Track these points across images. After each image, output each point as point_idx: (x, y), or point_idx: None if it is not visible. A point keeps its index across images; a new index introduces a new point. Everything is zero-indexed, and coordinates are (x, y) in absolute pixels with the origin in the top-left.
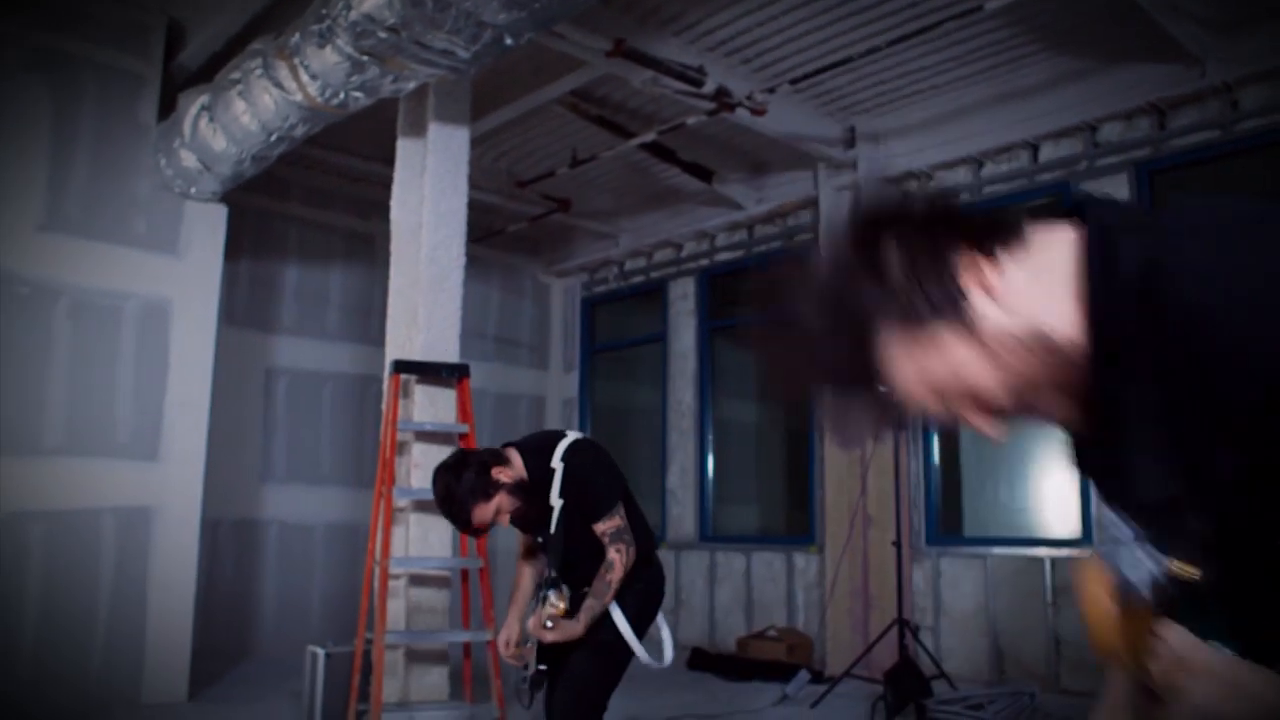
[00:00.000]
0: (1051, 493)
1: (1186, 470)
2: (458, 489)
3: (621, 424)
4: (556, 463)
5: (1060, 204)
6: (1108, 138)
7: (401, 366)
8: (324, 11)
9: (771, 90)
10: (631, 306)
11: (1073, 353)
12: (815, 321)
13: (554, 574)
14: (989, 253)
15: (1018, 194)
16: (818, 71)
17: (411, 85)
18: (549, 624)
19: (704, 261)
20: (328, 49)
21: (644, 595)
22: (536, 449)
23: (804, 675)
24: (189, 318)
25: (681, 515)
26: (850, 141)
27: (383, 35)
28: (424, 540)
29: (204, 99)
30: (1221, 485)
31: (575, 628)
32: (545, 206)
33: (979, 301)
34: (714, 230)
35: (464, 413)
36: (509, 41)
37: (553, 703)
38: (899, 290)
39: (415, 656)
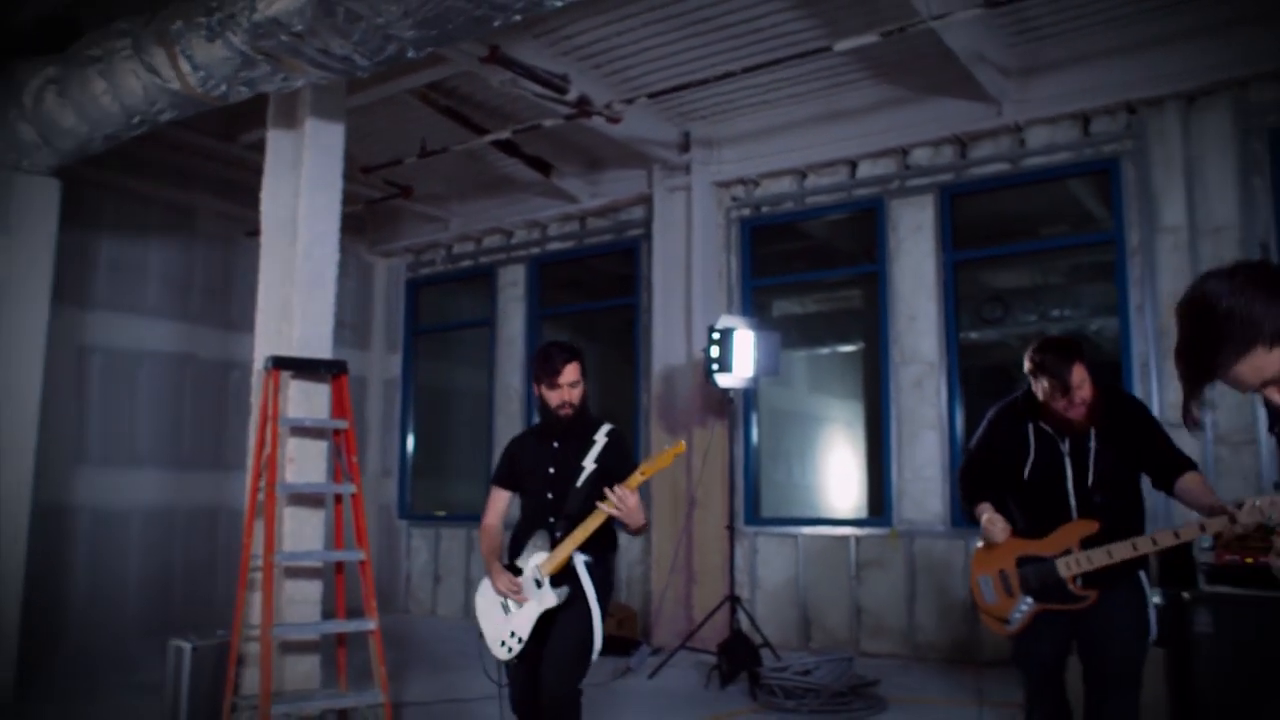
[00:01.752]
0: (839, 477)
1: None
2: None
3: (444, 406)
4: (600, 436)
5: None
6: (917, 161)
7: (279, 362)
8: (214, 5)
9: (630, 101)
10: (458, 290)
11: None
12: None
13: (554, 522)
14: None
15: (837, 205)
16: (678, 88)
17: (300, 84)
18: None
19: (535, 250)
20: (218, 43)
21: (606, 579)
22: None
23: (645, 649)
24: (19, 297)
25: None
26: (685, 146)
27: (285, 39)
28: (299, 534)
29: (52, 71)
30: None
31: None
32: (386, 191)
33: None
34: (546, 220)
35: (341, 408)
36: (411, 54)
37: (550, 665)
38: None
39: (288, 648)
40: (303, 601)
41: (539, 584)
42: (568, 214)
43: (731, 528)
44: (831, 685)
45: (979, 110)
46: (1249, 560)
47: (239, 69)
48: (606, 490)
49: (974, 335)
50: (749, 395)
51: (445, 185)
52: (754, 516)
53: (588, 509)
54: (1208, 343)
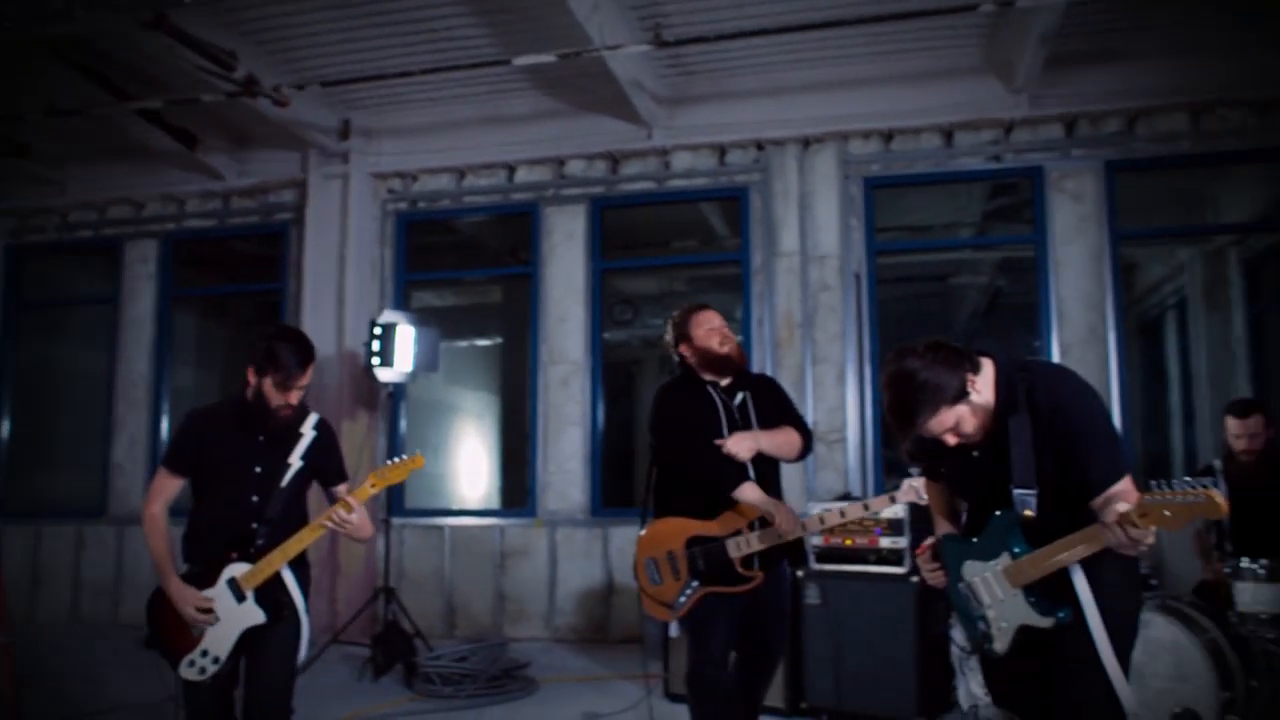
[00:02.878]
0: (475, 467)
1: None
2: None
3: (52, 390)
4: (307, 429)
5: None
6: (572, 172)
7: None
8: None
9: (301, 87)
10: (75, 263)
11: (990, 412)
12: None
13: (256, 528)
14: (975, 368)
15: (494, 207)
16: (353, 80)
17: None
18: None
19: (170, 225)
20: None
21: (307, 588)
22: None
23: None
24: None
25: (128, 489)
26: (345, 134)
27: None
28: None
29: None
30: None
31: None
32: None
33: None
34: (185, 195)
35: None
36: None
37: (265, 691)
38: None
39: None
40: None
41: (240, 599)
42: (210, 191)
43: (388, 520)
44: (488, 670)
45: (631, 131)
46: (848, 542)
47: None
48: (336, 510)
49: (605, 335)
50: (399, 388)
51: (62, 145)
52: (400, 508)
53: (292, 513)
54: (910, 405)
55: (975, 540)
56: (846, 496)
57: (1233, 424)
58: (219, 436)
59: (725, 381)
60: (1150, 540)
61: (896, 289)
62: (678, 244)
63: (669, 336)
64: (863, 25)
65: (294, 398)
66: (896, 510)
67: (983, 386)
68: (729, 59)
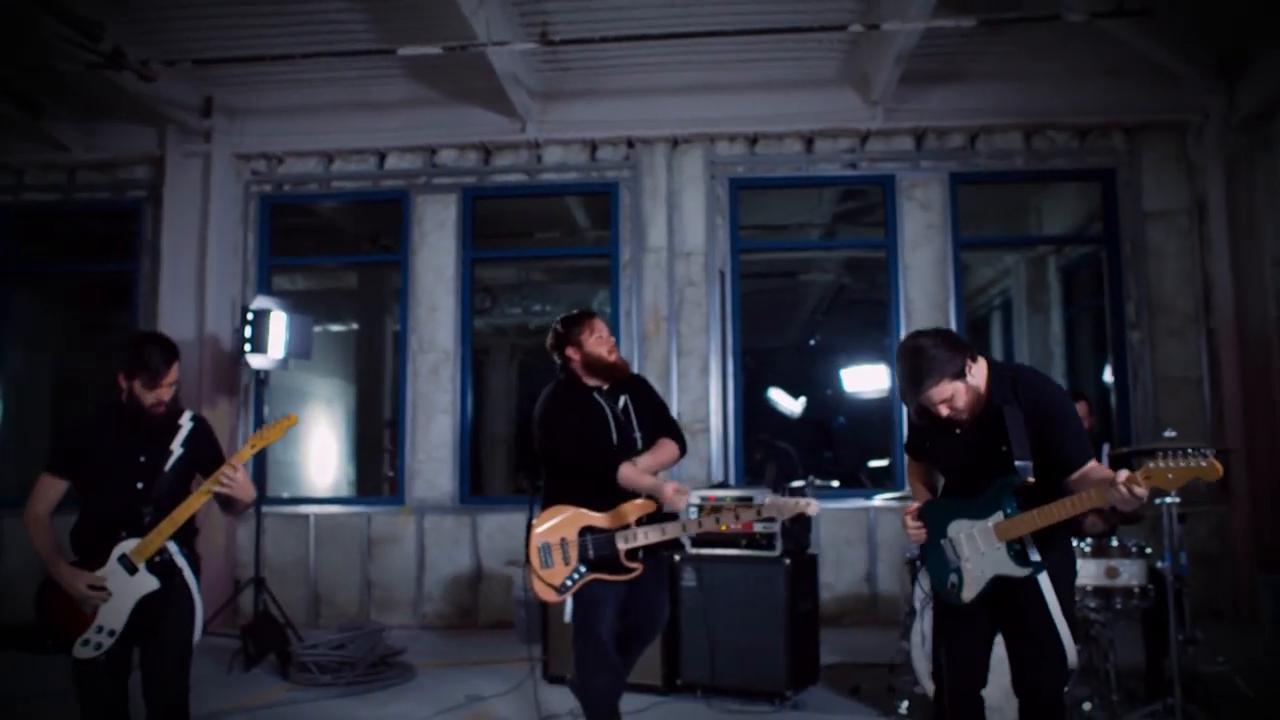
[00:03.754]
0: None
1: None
2: None
3: None
4: (185, 421)
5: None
6: (444, 161)
7: None
8: None
9: (172, 63)
10: None
11: (981, 399)
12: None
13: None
14: (974, 358)
15: (364, 193)
16: (227, 60)
17: None
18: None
19: (6, 197)
20: None
21: (197, 566)
22: None
23: None
24: None
25: None
26: (207, 111)
27: None
28: None
29: None
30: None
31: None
32: None
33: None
34: (24, 166)
35: None
36: None
37: (164, 665)
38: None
39: None
40: None
41: (131, 571)
42: (54, 163)
43: (259, 508)
44: (366, 657)
45: (505, 124)
46: (724, 528)
47: None
48: (222, 471)
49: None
50: (262, 375)
51: None
52: (261, 495)
53: (178, 497)
54: (919, 373)
55: (969, 501)
56: (724, 484)
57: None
58: (99, 436)
59: (607, 386)
60: (1144, 495)
61: (748, 284)
62: (541, 235)
63: (554, 340)
64: (743, 36)
65: (165, 394)
66: (766, 498)
67: (978, 375)
68: (603, 58)
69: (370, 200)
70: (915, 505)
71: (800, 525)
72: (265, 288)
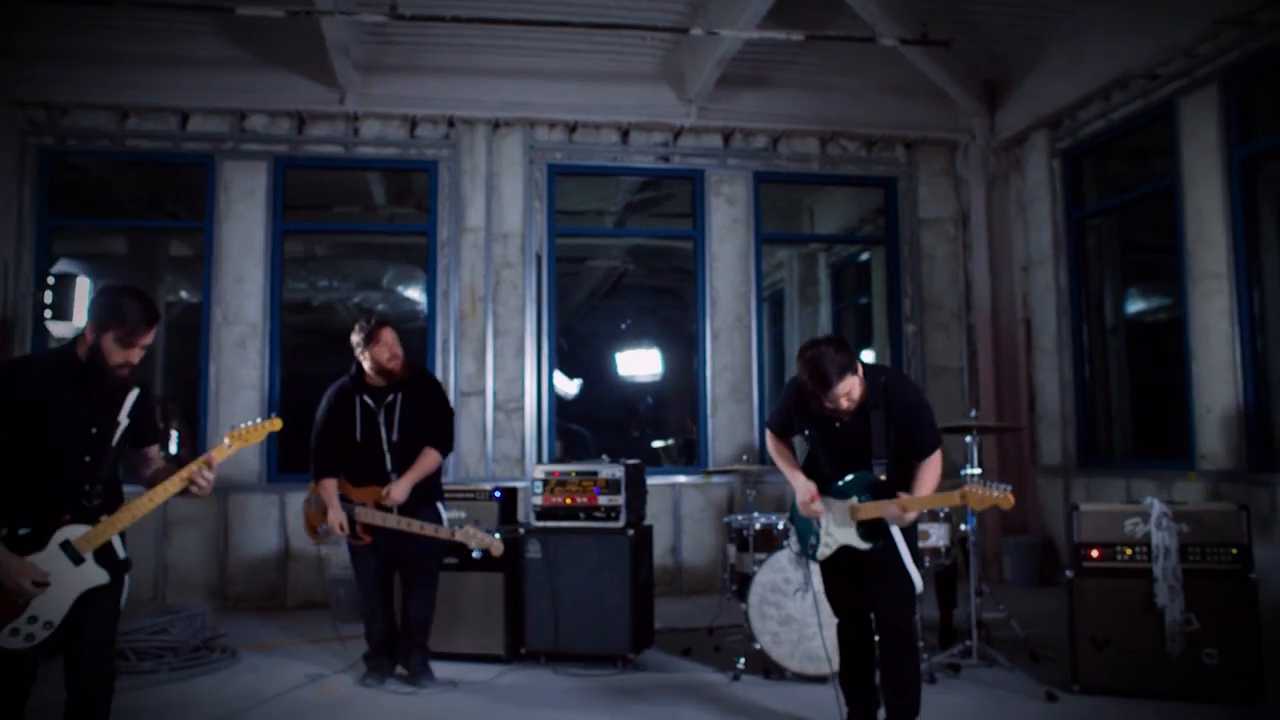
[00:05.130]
0: None
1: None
2: None
3: None
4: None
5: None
6: (254, 127)
7: None
8: None
9: None
10: None
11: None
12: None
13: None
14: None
15: (163, 154)
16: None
17: None
18: None
19: None
20: None
21: None
22: None
23: None
24: None
25: None
26: None
27: None
28: None
29: None
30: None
31: None
32: None
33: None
34: None
35: None
36: None
37: (96, 653)
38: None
39: None
40: None
41: (77, 561)
42: None
43: None
44: (190, 640)
45: (322, 93)
46: (569, 501)
47: None
48: (201, 471)
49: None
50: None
51: None
52: None
53: (116, 471)
54: (828, 374)
55: (838, 484)
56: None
57: None
58: (46, 393)
59: (384, 383)
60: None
61: None
62: (340, 209)
63: (358, 339)
64: (588, 29)
65: (135, 356)
66: (615, 471)
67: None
68: (429, 35)
69: (172, 163)
70: (814, 490)
71: (639, 499)
72: (44, 250)
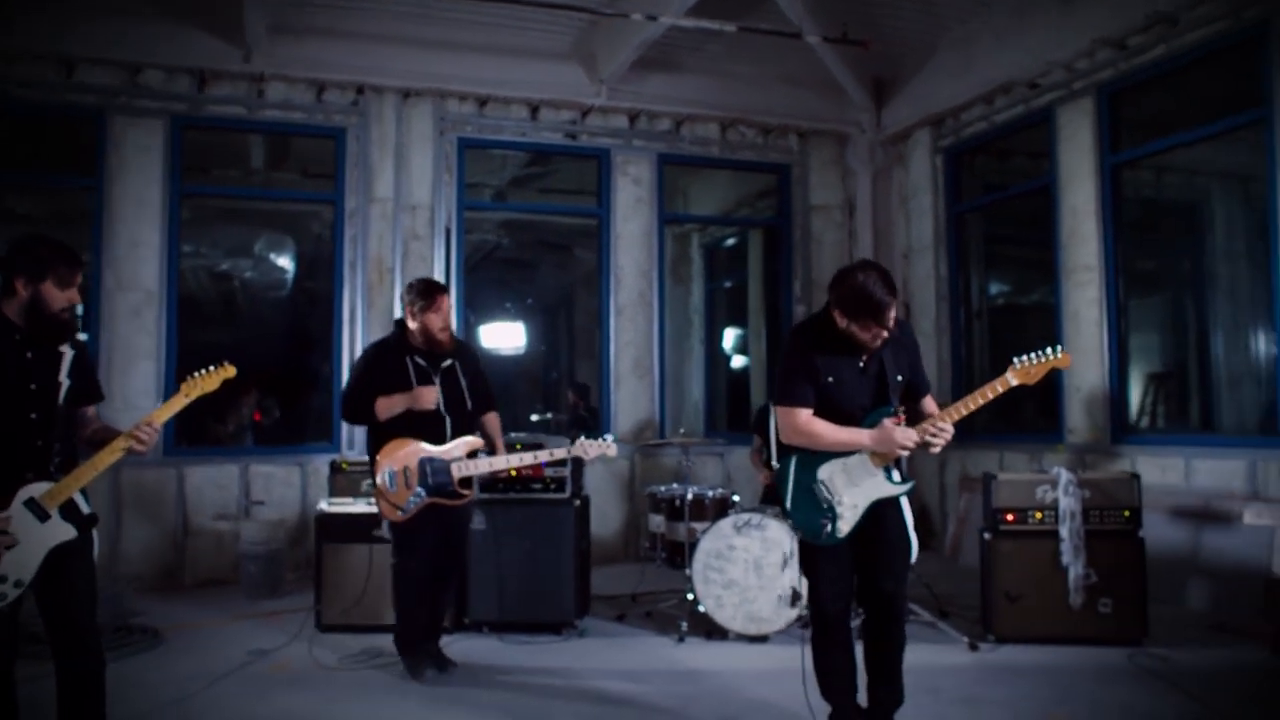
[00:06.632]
0: None
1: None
2: None
3: None
4: (67, 347)
5: None
6: (149, 82)
7: None
8: None
9: None
10: None
11: None
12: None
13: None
14: None
15: (48, 104)
16: None
17: None
18: None
19: None
20: None
21: None
22: None
23: None
24: None
25: None
26: None
27: None
28: None
29: None
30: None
31: None
32: None
33: None
34: None
35: None
36: None
37: (79, 620)
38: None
39: None
40: None
41: (43, 517)
42: None
43: None
44: (112, 623)
45: (225, 50)
46: (514, 472)
47: None
48: (142, 427)
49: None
50: None
51: None
52: None
53: (71, 430)
54: (885, 293)
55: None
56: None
57: None
58: None
59: (429, 349)
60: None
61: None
62: (217, 173)
63: (413, 298)
64: (505, 3)
65: (76, 297)
66: (560, 443)
67: None
68: None
69: (58, 114)
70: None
71: (579, 470)
72: None
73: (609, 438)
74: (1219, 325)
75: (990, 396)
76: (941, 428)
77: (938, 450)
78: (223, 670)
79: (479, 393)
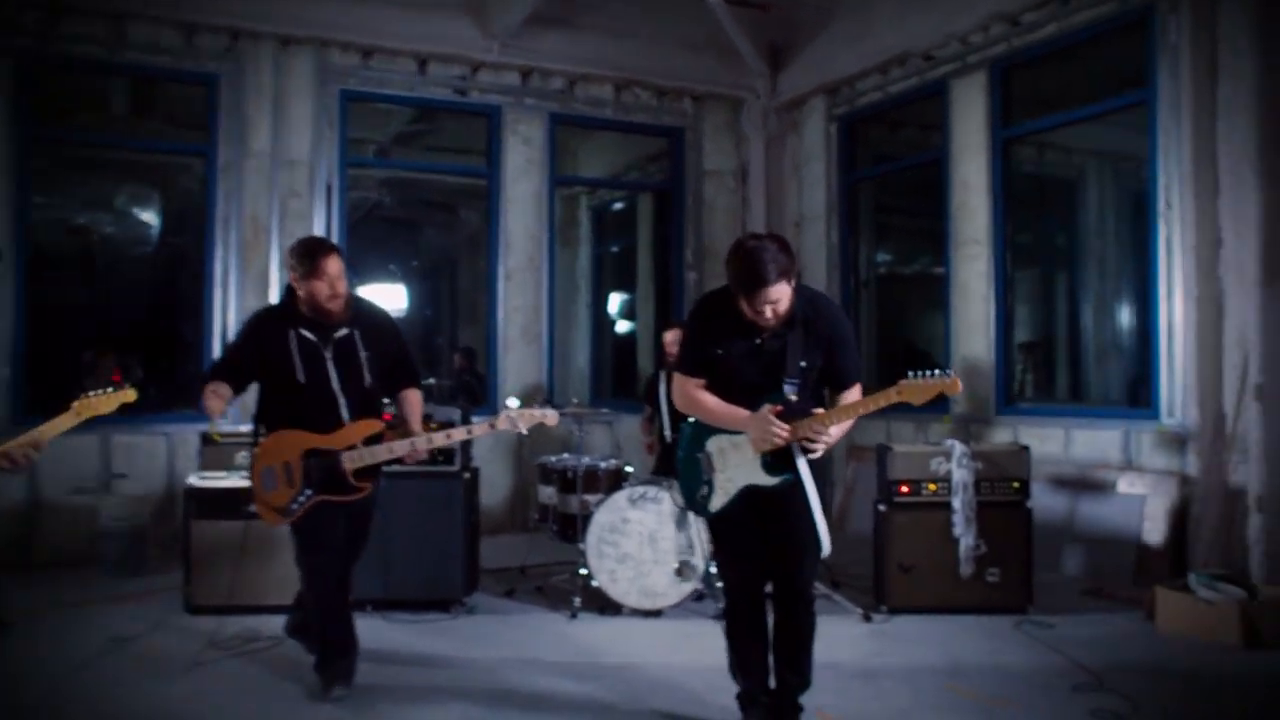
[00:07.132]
0: None
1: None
2: None
3: None
4: None
5: None
6: None
7: None
8: None
9: None
10: None
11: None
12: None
13: None
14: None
15: None
16: None
17: None
18: None
19: None
20: None
21: None
22: None
23: None
24: None
25: None
26: None
27: None
28: None
29: None
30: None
31: None
32: None
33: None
34: None
35: None
36: None
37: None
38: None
39: None
40: None
41: None
42: None
43: None
44: None
45: None
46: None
47: None
48: (27, 449)
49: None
50: None
51: None
52: None
53: None
54: (764, 269)
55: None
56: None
57: (669, 336)
58: None
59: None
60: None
61: None
62: (74, 118)
63: (295, 263)
64: None
65: None
66: (451, 414)
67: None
68: None
69: None
70: (770, 409)
71: (469, 441)
72: None
73: (549, 410)
74: (1088, 299)
75: (872, 408)
76: (819, 431)
77: (817, 455)
78: (80, 660)
79: (385, 367)
